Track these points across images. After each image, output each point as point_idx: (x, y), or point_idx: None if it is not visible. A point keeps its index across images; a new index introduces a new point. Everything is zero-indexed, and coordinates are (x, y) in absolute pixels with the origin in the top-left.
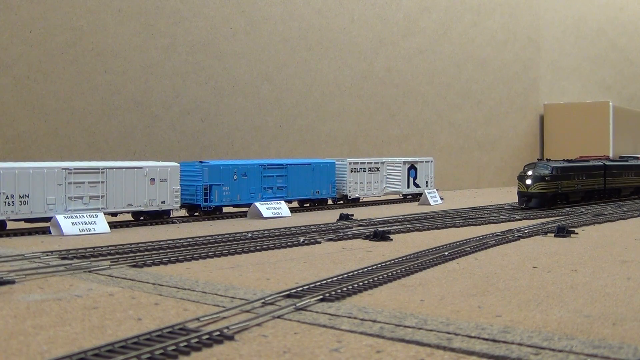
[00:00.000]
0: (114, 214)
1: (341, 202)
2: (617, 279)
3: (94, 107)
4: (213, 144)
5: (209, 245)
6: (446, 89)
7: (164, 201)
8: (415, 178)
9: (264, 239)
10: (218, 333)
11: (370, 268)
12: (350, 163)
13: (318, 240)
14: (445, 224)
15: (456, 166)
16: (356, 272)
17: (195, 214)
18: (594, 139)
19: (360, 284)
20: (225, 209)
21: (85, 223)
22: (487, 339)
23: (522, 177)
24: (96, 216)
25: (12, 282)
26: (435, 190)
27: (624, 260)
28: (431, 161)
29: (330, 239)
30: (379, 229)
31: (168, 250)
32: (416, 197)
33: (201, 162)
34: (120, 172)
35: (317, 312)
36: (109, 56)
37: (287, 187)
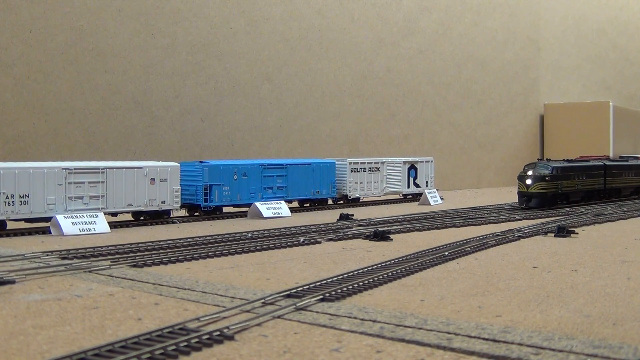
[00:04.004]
0: (114, 214)
1: (341, 202)
2: (617, 279)
3: (94, 107)
4: (213, 144)
5: (209, 245)
6: (446, 89)
7: (164, 201)
8: (415, 178)
9: (264, 239)
10: (218, 333)
11: (370, 268)
12: (350, 163)
13: (318, 240)
14: (445, 224)
15: (456, 166)
16: (356, 272)
17: (196, 214)
18: (594, 139)
19: (361, 284)
20: (225, 209)
21: (86, 223)
22: (487, 339)
23: (522, 177)
24: (96, 216)
25: (12, 282)
26: (435, 190)
27: (624, 260)
28: (431, 161)
29: (331, 239)
30: (379, 229)
31: (168, 250)
32: (416, 197)
33: (201, 162)
34: (120, 172)
35: (317, 312)
36: (109, 56)
37: (287, 187)
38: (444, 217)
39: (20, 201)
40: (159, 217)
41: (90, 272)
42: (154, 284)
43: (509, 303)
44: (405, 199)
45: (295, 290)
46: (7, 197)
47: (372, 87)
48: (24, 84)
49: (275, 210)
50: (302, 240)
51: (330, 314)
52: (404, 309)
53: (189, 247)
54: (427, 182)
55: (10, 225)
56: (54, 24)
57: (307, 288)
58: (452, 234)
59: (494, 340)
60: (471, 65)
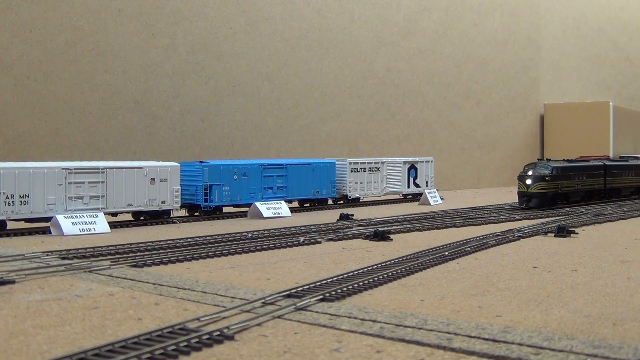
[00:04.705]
0: (114, 214)
1: (341, 202)
2: (617, 279)
3: (94, 107)
4: (213, 144)
5: (209, 245)
6: (446, 89)
7: (164, 201)
8: (415, 178)
9: (264, 239)
10: (218, 333)
11: (370, 268)
12: (350, 163)
13: (318, 240)
14: (445, 224)
15: (456, 166)
16: (356, 272)
17: (196, 214)
18: (594, 139)
19: (361, 284)
20: (225, 209)
21: (86, 223)
22: (487, 339)
23: (522, 177)
24: (96, 216)
25: (12, 282)
26: (435, 190)
27: (624, 260)
28: (431, 161)
29: (331, 239)
30: (379, 229)
31: (168, 250)
32: (416, 197)
33: (201, 162)
34: (121, 172)
35: (317, 312)
36: (109, 56)
37: (287, 187)
38: (444, 217)
39: (20, 201)
40: (159, 217)
41: (90, 272)
42: (154, 284)
43: (509, 303)
44: (405, 199)
45: (295, 290)
46: (7, 197)
47: (372, 87)
48: (24, 84)
49: (275, 210)
50: (302, 240)
51: (330, 314)
52: (404, 309)
53: (189, 247)
54: (427, 182)
55: (10, 225)
56: (54, 24)
57: (307, 288)
58: (452, 234)
59: (494, 340)
60: (471, 65)
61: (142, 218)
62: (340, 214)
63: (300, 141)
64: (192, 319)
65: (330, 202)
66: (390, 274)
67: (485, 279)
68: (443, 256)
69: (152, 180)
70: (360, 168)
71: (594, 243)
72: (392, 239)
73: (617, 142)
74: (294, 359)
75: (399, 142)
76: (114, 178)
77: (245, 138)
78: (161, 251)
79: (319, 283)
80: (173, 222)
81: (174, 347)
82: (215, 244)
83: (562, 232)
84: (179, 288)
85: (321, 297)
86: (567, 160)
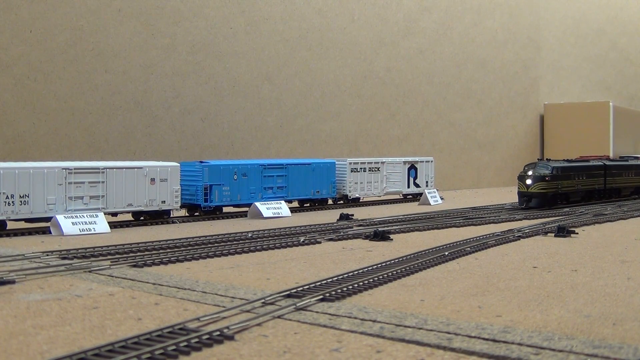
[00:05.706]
0: (114, 214)
1: (341, 202)
2: (617, 279)
3: (94, 107)
4: (213, 144)
5: (209, 245)
6: (446, 89)
7: (164, 201)
8: (415, 178)
9: (264, 239)
10: (218, 333)
11: (370, 268)
12: (350, 163)
13: (318, 240)
14: (445, 224)
15: (456, 166)
16: (356, 272)
17: (196, 214)
18: (594, 139)
19: (361, 284)
20: (225, 209)
21: (86, 223)
22: (487, 339)
23: (522, 177)
24: (96, 216)
25: (12, 282)
26: (435, 190)
27: (624, 260)
28: (431, 161)
29: (331, 239)
30: (379, 229)
31: (168, 250)
32: (416, 197)
33: (201, 162)
34: (121, 172)
35: (317, 312)
36: (109, 56)
37: (287, 187)
38: (444, 217)
39: (20, 201)
40: (159, 217)
41: (90, 272)
42: (154, 284)
43: (509, 303)
44: (405, 199)
45: (295, 290)
46: (7, 197)
47: (372, 87)
48: (24, 84)
49: (275, 210)
50: (302, 240)
51: (330, 314)
52: (404, 309)
53: (189, 247)
54: (427, 182)
55: (10, 225)
56: (54, 24)
57: (307, 288)
58: (452, 234)
59: (494, 340)
60: (471, 65)
61: (142, 218)
62: (340, 214)
63: (300, 141)
64: (192, 319)
65: (330, 202)
66: (390, 274)
67: (485, 279)
68: (443, 256)
69: (152, 180)
70: (360, 168)
71: (594, 243)
72: (392, 239)
73: (617, 142)
74: (294, 359)
75: (399, 142)
76: (114, 178)
77: (245, 138)
78: (161, 251)
79: (319, 283)
80: (173, 222)
81: (174, 347)
82: (215, 244)
83: (562, 232)
84: (179, 288)
85: (321, 297)
86: (567, 160)
